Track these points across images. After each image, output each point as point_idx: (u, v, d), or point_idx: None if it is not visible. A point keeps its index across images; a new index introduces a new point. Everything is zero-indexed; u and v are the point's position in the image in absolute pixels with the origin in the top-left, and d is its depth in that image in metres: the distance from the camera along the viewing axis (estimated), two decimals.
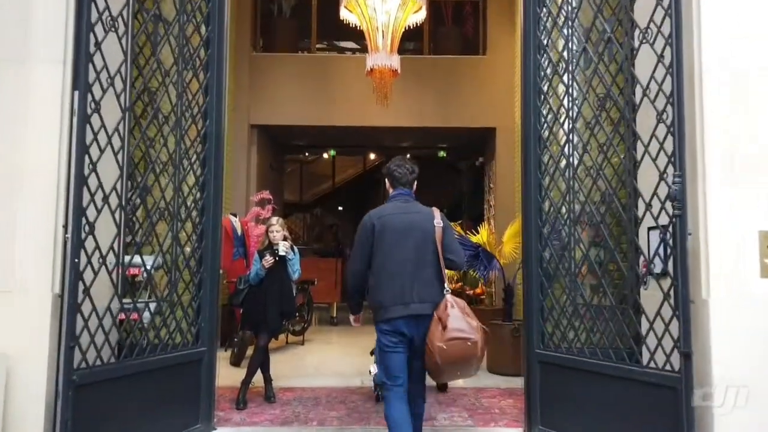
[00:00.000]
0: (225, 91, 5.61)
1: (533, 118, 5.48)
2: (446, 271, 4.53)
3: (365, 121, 13.24)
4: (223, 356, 9.56)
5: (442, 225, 4.52)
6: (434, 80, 13.29)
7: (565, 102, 5.29)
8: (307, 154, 16.86)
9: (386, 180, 4.86)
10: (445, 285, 4.44)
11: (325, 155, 16.86)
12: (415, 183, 4.84)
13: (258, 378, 7.03)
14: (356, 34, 11.09)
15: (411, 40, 13.53)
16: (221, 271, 10.48)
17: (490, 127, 13.26)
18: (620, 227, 5.30)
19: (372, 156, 17.28)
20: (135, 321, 4.70)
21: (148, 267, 4.76)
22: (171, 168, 5.10)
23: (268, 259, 6.87)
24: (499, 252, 9.32)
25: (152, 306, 4.84)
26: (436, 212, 4.61)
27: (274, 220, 7.24)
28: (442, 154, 16.83)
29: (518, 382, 7.84)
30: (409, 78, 12.73)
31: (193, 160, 5.34)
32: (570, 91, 5.23)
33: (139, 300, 4.77)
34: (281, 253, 6.91)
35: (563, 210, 5.35)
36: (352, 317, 5.03)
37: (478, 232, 9.61)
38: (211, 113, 5.48)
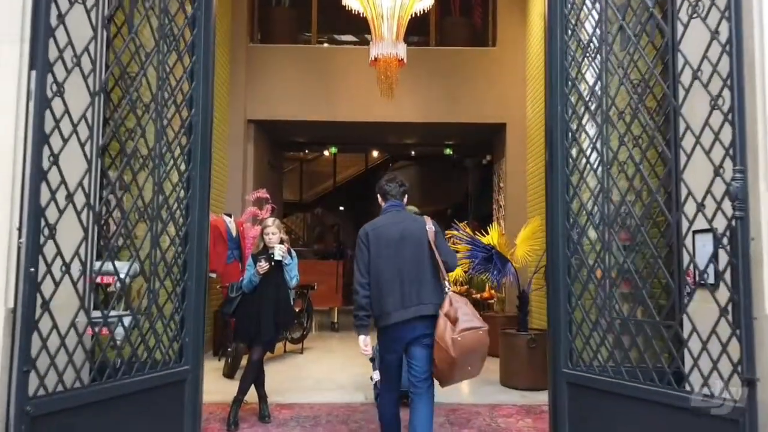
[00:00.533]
0: (212, 76, 5.02)
1: (560, 107, 4.90)
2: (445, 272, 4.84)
3: (368, 117, 12.70)
4: (216, 367, 9.05)
5: (434, 230, 4.86)
6: (441, 73, 12.75)
7: (597, 88, 4.69)
8: (307, 151, 16.24)
9: (378, 196, 5.23)
10: (445, 284, 4.76)
11: (326, 152, 16.24)
12: (406, 196, 5.24)
13: (252, 394, 6.47)
14: (359, 25, 10.50)
15: (416, 32, 12.94)
16: (214, 275, 10.08)
17: (500, 122, 12.71)
18: (655, 230, 4.75)
19: (375, 153, 16.63)
20: (107, 337, 4.12)
21: (122, 275, 4.18)
22: (151, 162, 4.50)
23: (263, 265, 6.32)
24: (511, 255, 8.77)
25: (126, 320, 4.25)
26: (428, 219, 4.97)
27: (270, 221, 6.67)
28: (448, 151, 16.26)
29: (536, 398, 7.35)
30: (414, 71, 12.22)
31: (176, 153, 4.76)
32: (603, 75, 4.63)
33: (111, 314, 4.18)
34: (277, 257, 6.36)
35: (595, 210, 4.76)
36: (361, 340, 5.01)
37: (485, 233, 9.02)
38: (197, 101, 4.88)
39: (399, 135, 15.11)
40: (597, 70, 4.72)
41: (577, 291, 4.83)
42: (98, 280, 4.44)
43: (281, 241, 6.54)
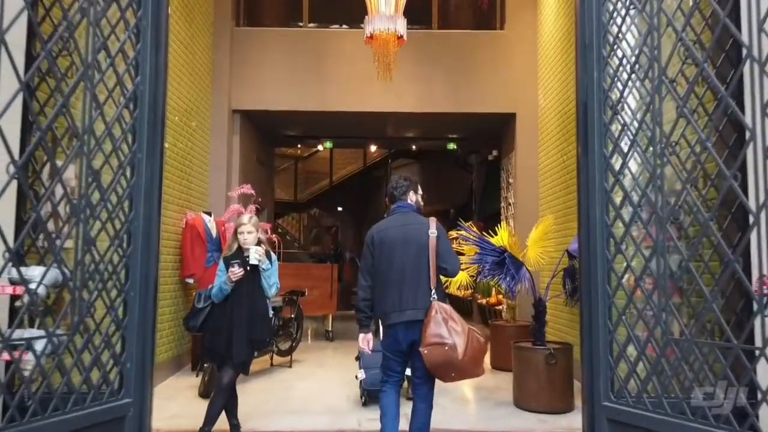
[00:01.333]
0: (165, 35, 4.09)
1: (597, 73, 3.98)
2: (441, 277, 5.09)
3: (365, 106, 11.79)
4: (193, 384, 8.16)
5: (436, 234, 4.95)
6: (444, 59, 11.82)
7: (646, 46, 3.76)
8: (300, 146, 15.29)
9: (386, 199, 5.45)
10: (432, 291, 4.86)
11: (320, 147, 15.28)
12: (411, 192, 5.30)
13: (223, 420, 5.55)
14: (354, 7, 9.52)
15: (418, 14, 11.98)
16: (192, 281, 9.19)
17: (509, 112, 11.78)
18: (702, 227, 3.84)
19: (373, 148, 15.66)
20: (18, 365, 3.19)
21: (34, 284, 3.25)
22: (84, 142, 3.56)
23: (236, 271, 5.42)
24: (522, 258, 7.84)
25: (41, 343, 3.32)
26: (432, 222, 5.05)
27: (246, 218, 5.76)
28: (452, 146, 15.29)
29: (557, 423, 6.60)
30: (415, 57, 11.45)
31: (116, 131, 3.82)
32: (651, 34, 3.70)
33: (22, 334, 3.26)
34: (253, 261, 5.47)
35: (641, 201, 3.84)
36: (360, 338, 5.23)
37: (492, 234, 8.11)
38: (144, 66, 3.95)
39: (398, 127, 14.14)
40: (646, 21, 3.77)
41: (620, 303, 3.88)
42: (10, 290, 3.50)
43: (259, 242, 5.63)
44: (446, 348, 4.62)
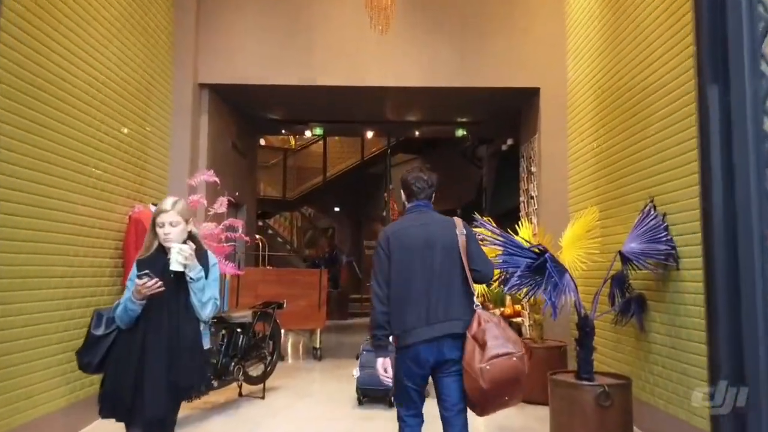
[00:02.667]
0: None
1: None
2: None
3: (358, 80, 10.08)
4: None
5: (465, 234, 4.47)
6: (451, 23, 10.13)
7: None
8: (284, 132, 13.50)
9: (402, 192, 4.78)
10: (475, 299, 4.36)
11: (308, 133, 13.50)
12: (434, 195, 4.75)
13: None
14: None
15: None
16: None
17: (531, 87, 10.07)
18: None
19: (370, 135, 13.84)
20: None
21: None
22: None
23: (146, 284, 3.67)
24: None
25: None
26: (459, 222, 4.57)
27: (168, 202, 4.06)
28: (461, 132, 13.55)
29: None
30: (416, 19, 9.87)
31: None
32: None
33: None
34: (174, 267, 3.73)
35: None
36: (379, 364, 4.38)
37: (511, 233, 6.52)
38: None
39: (399, 108, 12.38)
40: None
41: None
42: None
43: (190, 238, 3.93)
44: (514, 359, 4.11)
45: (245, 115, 12.32)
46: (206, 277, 3.93)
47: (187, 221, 3.97)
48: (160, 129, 9.00)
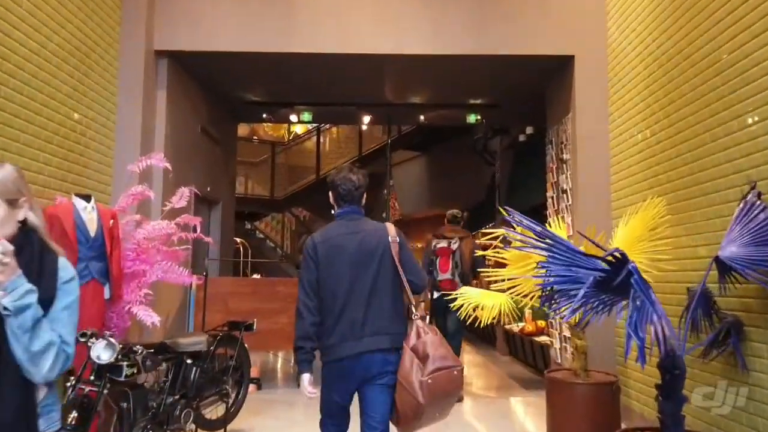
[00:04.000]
0: None
1: None
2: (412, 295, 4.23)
3: (350, 46, 8.44)
4: None
5: (398, 241, 4.26)
6: None
7: None
8: (266, 116, 11.73)
9: (330, 195, 4.44)
10: (413, 310, 4.22)
11: (294, 117, 11.71)
12: (364, 197, 4.42)
13: None
14: None
15: None
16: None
17: (563, 55, 8.42)
18: None
19: (366, 121, 11.99)
20: None
21: None
22: None
23: None
24: None
25: None
26: (391, 228, 4.34)
27: None
28: (473, 118, 11.78)
29: None
30: None
31: None
32: None
33: None
34: None
35: None
36: (305, 380, 4.05)
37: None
38: None
39: (400, 86, 10.60)
40: None
41: None
42: None
43: (22, 232, 2.22)
44: (455, 373, 3.97)
45: (218, 95, 10.64)
46: (49, 304, 2.21)
47: (12, 202, 2.25)
48: (104, 105, 7.43)
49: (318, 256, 4.17)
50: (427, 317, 9.18)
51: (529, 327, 11.31)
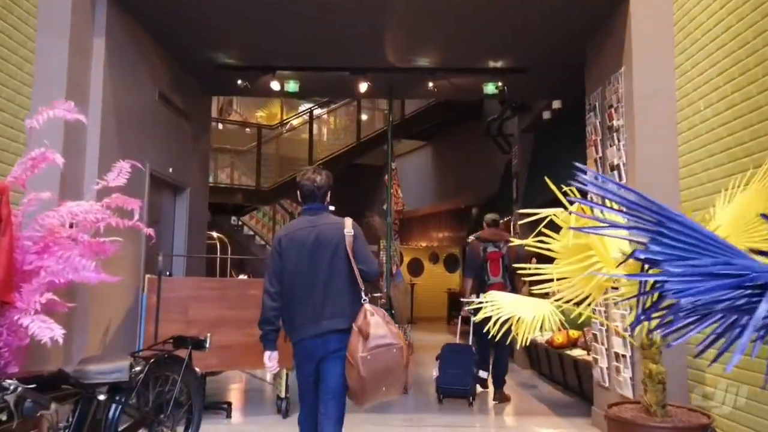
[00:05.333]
0: None
1: None
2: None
3: None
4: None
5: (352, 233, 4.76)
6: None
7: None
8: (242, 83, 9.90)
9: (297, 192, 5.07)
10: (362, 294, 4.66)
11: (275, 85, 9.85)
12: (328, 195, 5.00)
13: None
14: None
15: None
16: None
17: None
18: None
19: (363, 87, 10.07)
20: None
21: None
22: None
23: None
24: None
25: None
26: (348, 222, 4.84)
27: None
28: (491, 87, 9.93)
29: None
30: None
31: None
32: None
33: None
34: None
35: None
36: (265, 356, 4.74)
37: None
38: None
39: (406, 44, 8.79)
40: None
41: None
42: None
43: None
44: (394, 350, 4.44)
45: (182, 55, 8.92)
46: None
47: None
48: (16, 52, 5.78)
49: (281, 247, 4.78)
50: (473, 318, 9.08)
51: (560, 338, 9.57)
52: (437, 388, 8.75)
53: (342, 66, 9.51)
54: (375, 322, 4.44)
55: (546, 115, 11.54)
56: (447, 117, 18.87)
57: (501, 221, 11.08)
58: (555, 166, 10.87)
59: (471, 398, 8.66)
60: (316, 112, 19.87)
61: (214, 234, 14.13)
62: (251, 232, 20.01)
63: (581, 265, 4.58)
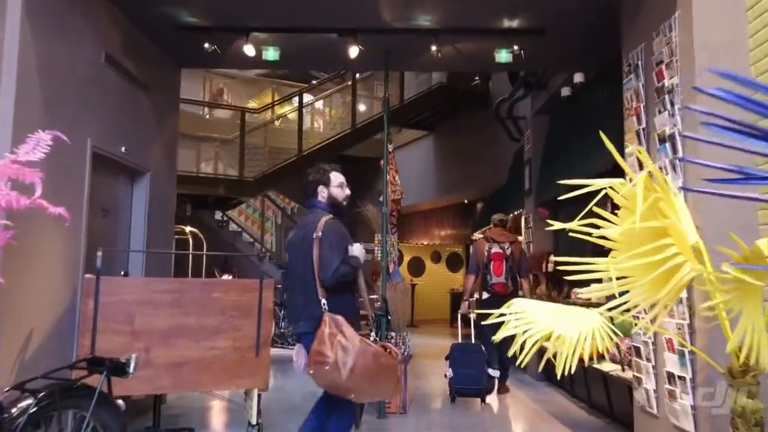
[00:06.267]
0: None
1: None
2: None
3: None
4: None
5: (320, 237, 4.89)
6: None
7: None
8: (209, 47, 8.42)
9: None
10: (322, 302, 4.83)
11: (249, 50, 8.36)
12: (318, 190, 5.17)
13: None
14: None
15: None
16: None
17: None
18: None
19: (354, 53, 8.49)
20: None
21: None
22: None
23: None
24: None
25: None
26: (322, 222, 4.94)
27: None
28: (504, 55, 8.49)
29: None
30: None
31: None
32: None
33: None
34: None
35: None
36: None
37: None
38: None
39: None
40: None
41: None
42: None
43: None
44: (327, 368, 4.57)
45: (135, 10, 7.49)
46: None
47: None
48: None
49: (287, 247, 5.31)
50: (472, 317, 9.69)
51: (583, 354, 8.19)
52: (450, 388, 8.99)
53: (328, 27, 8.10)
54: (319, 336, 4.62)
55: (565, 91, 10.18)
56: (450, 103, 17.67)
57: (509, 217, 11.62)
58: (576, 150, 9.56)
59: (484, 397, 8.95)
60: (309, 98, 18.81)
61: (187, 228, 13.00)
62: (238, 228, 18.86)
63: (653, 259, 3.25)
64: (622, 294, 3.53)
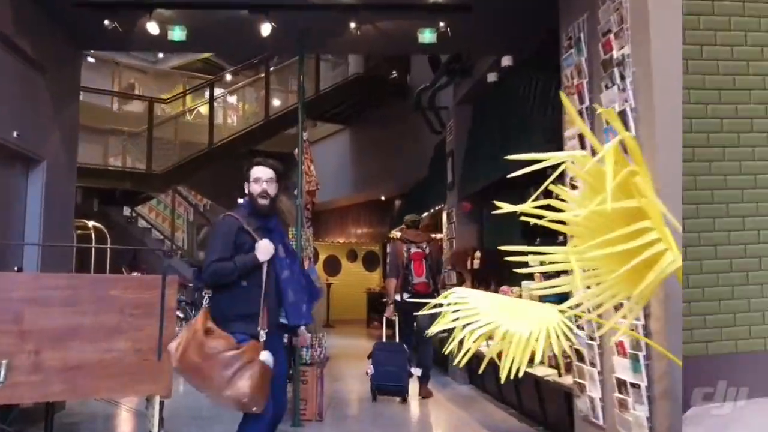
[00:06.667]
0: None
1: None
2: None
3: None
4: None
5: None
6: None
7: None
8: (110, 23, 7.64)
9: None
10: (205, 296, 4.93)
11: (152, 28, 7.60)
12: (245, 186, 5.08)
13: None
14: None
15: None
16: None
17: None
18: None
19: (267, 30, 7.75)
20: None
21: None
22: None
23: None
24: None
25: None
26: (222, 216, 5.16)
27: None
28: (428, 35, 7.83)
29: None
30: None
31: None
32: None
33: None
34: None
35: None
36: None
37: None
38: None
39: None
40: None
41: None
42: None
43: None
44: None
45: None
46: None
47: None
48: None
49: None
50: (397, 318, 9.77)
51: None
52: (372, 385, 9.08)
53: (238, 2, 7.42)
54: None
55: (491, 77, 9.71)
56: (367, 93, 17.33)
57: (423, 216, 12.31)
58: (503, 140, 9.06)
59: (405, 396, 9.05)
60: (221, 92, 18.45)
61: (90, 223, 12.42)
62: (148, 225, 18.27)
63: (626, 246, 2.70)
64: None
